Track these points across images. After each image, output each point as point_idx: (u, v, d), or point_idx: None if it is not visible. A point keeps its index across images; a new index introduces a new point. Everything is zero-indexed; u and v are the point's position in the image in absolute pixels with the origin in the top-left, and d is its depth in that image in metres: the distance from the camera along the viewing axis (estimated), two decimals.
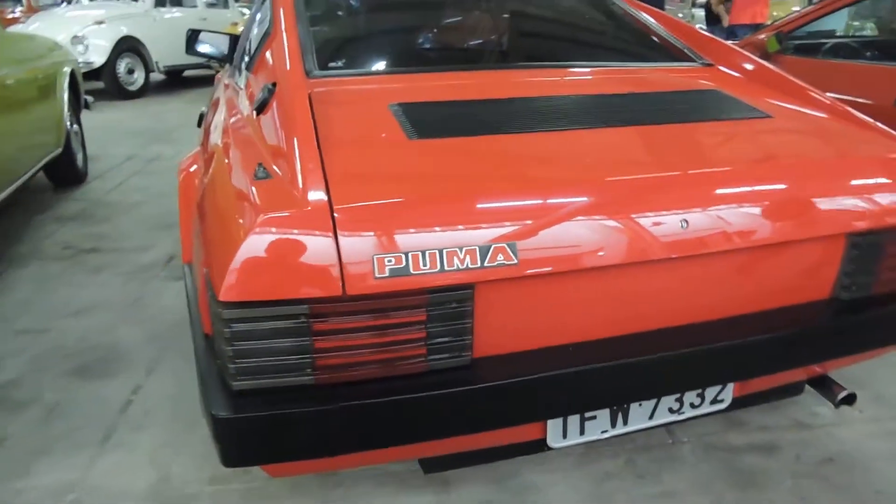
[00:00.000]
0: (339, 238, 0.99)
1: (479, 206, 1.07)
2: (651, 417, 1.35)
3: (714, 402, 1.38)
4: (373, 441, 1.09)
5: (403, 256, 1.00)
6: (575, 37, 2.18)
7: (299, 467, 1.23)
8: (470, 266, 1.03)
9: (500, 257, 1.04)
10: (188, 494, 1.57)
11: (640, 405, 1.32)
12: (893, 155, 1.38)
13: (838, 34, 3.52)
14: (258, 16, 2.24)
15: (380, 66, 1.81)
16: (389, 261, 0.99)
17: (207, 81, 9.15)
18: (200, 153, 1.70)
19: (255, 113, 1.43)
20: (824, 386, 1.54)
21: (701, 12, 8.20)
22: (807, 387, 1.57)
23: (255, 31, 2.12)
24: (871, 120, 1.56)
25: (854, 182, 1.31)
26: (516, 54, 2.01)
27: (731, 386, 1.38)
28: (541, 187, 1.14)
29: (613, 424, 1.33)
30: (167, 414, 1.87)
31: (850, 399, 1.51)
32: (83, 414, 1.87)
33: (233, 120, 1.59)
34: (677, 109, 1.54)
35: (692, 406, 1.37)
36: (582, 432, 1.31)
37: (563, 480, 1.59)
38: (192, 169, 1.71)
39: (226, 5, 9.95)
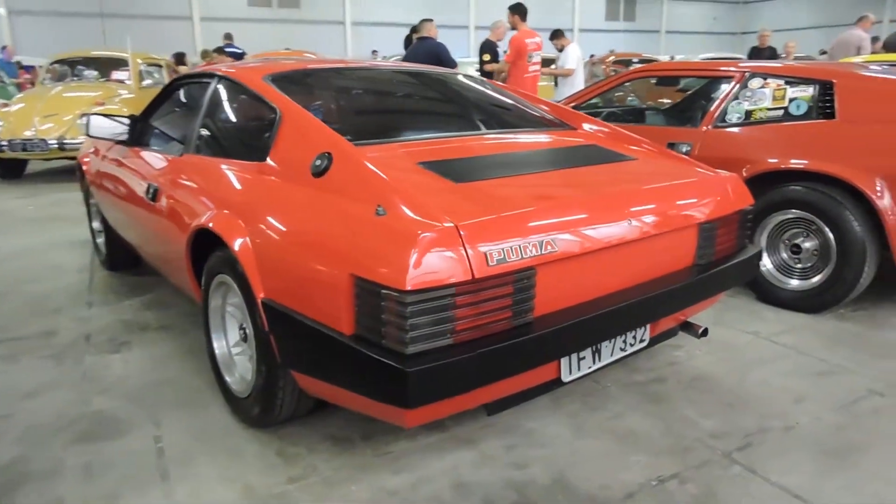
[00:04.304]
0: (465, 243, 1.53)
1: (533, 217, 1.70)
2: (612, 354, 2.05)
3: (641, 340, 2.13)
4: (490, 377, 1.62)
5: (502, 250, 1.58)
6: (503, 115, 2.93)
7: (435, 411, 1.69)
8: (535, 254, 1.64)
9: (549, 247, 1.67)
10: (277, 494, 1.85)
11: (607, 345, 2.01)
12: (710, 176, 2.30)
13: (609, 105, 4.81)
14: (207, 101, 2.59)
15: (379, 137, 2.28)
16: (495, 254, 1.57)
17: None
18: (239, 211, 2.03)
19: (314, 175, 1.87)
20: (689, 327, 2.40)
21: None
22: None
23: (227, 116, 2.49)
24: (683, 156, 2.51)
25: (697, 193, 2.19)
26: (475, 125, 2.71)
27: (648, 327, 2.14)
28: (559, 204, 1.80)
29: (594, 361, 2.00)
30: (205, 449, 2.07)
31: (706, 332, 2.37)
32: (123, 464, 1.99)
33: (281, 182, 1.98)
34: (586, 157, 2.34)
35: (631, 345, 2.10)
36: (579, 369, 1.96)
37: (550, 421, 2.21)
38: (241, 225, 1.99)
39: None
